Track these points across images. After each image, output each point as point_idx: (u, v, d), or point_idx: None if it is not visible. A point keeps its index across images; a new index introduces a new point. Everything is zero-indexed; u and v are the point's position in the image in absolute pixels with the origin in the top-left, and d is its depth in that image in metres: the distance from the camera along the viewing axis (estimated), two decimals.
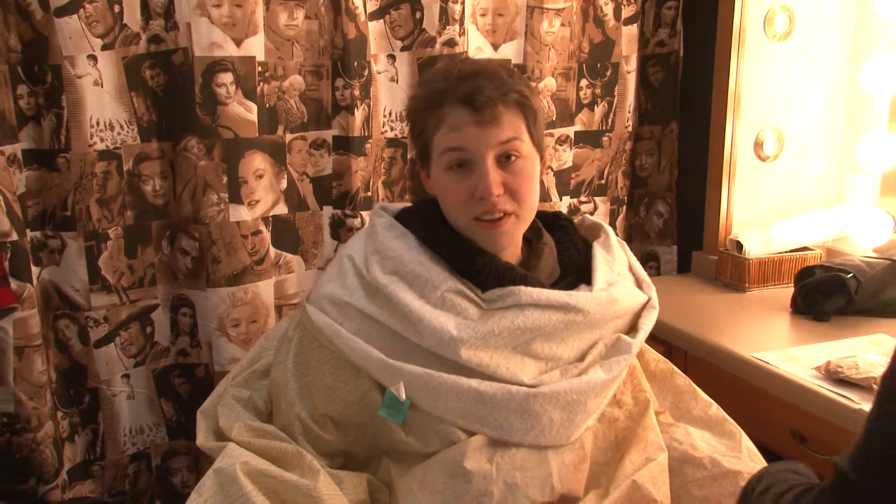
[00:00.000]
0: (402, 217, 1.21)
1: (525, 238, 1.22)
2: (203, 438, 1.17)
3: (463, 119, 1.09)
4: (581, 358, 1.14)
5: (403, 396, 1.07)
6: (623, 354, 1.15)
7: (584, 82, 2.04)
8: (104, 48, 1.58)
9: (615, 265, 1.22)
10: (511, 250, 1.19)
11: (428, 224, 1.17)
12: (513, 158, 1.11)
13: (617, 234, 1.30)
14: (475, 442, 1.09)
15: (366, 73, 1.77)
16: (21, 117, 1.56)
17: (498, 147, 1.10)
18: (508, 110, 1.10)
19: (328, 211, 1.85)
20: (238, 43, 1.66)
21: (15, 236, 1.50)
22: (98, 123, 1.61)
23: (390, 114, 1.88)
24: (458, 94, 1.10)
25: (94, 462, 1.75)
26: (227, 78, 1.66)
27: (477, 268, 1.13)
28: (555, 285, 1.18)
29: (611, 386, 1.16)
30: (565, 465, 1.12)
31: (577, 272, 1.21)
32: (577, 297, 1.13)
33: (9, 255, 1.49)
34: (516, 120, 1.11)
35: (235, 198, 1.71)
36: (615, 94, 2.08)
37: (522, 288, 1.11)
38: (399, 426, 1.10)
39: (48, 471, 1.60)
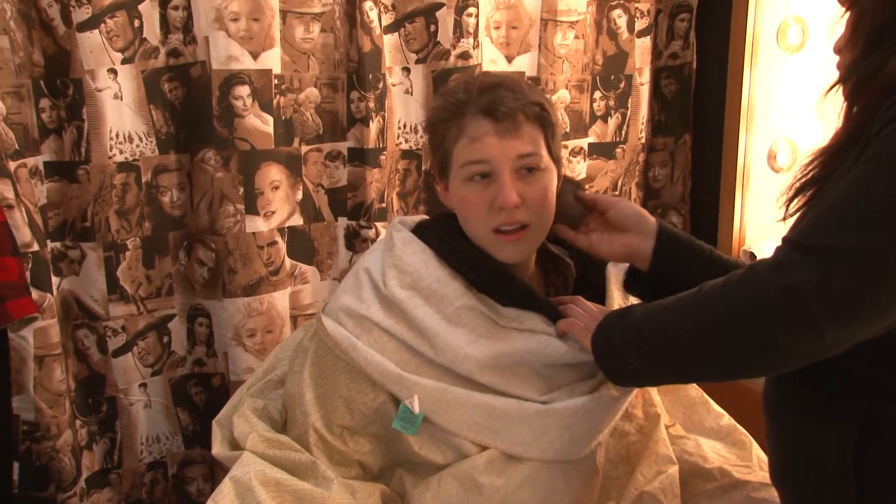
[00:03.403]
0: (419, 230, 1.21)
1: (548, 256, 1.23)
2: (219, 448, 1.19)
3: (483, 129, 1.10)
4: (593, 374, 1.15)
5: (417, 409, 1.08)
6: None
7: (597, 94, 2.05)
8: (124, 62, 1.61)
9: None
10: (527, 265, 1.20)
11: (446, 239, 1.17)
12: (532, 171, 1.11)
13: None
14: (488, 455, 1.10)
15: (381, 85, 1.79)
16: (43, 130, 1.58)
17: (517, 160, 1.10)
18: (528, 122, 1.10)
19: (343, 222, 1.86)
20: (255, 56, 1.68)
21: (36, 247, 1.52)
22: (117, 136, 1.63)
23: (405, 126, 1.89)
24: (479, 104, 1.10)
25: (112, 470, 1.77)
26: (243, 91, 1.68)
27: (494, 286, 1.14)
28: None
29: (622, 403, 1.16)
30: (577, 480, 1.12)
31: (590, 288, 1.22)
32: None
33: (30, 266, 1.51)
34: (535, 133, 1.11)
35: (252, 209, 1.73)
36: (628, 105, 2.09)
37: (540, 317, 1.13)
38: (413, 438, 1.11)
39: (66, 478, 1.61)
